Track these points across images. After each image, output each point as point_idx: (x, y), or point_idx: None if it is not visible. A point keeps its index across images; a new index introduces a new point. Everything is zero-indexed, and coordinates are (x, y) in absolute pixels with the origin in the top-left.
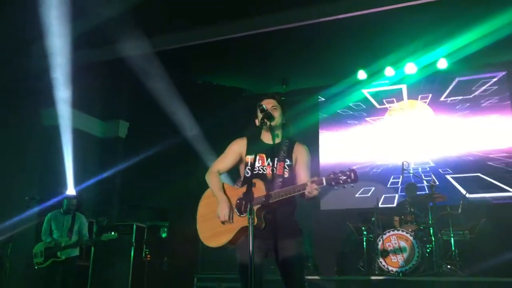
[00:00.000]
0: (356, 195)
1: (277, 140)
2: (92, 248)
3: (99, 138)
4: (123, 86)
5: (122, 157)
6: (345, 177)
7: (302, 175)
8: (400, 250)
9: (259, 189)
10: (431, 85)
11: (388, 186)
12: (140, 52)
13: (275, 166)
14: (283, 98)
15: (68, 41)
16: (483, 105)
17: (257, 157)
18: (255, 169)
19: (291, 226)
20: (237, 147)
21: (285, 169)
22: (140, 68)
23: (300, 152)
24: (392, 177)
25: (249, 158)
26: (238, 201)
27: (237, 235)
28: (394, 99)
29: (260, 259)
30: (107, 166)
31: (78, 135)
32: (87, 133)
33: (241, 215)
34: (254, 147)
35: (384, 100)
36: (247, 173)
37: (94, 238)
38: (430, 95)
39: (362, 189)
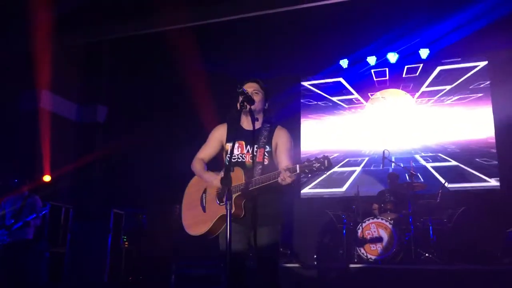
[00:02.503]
0: (337, 183)
1: (257, 126)
2: (68, 234)
3: (76, 122)
4: (102, 70)
5: (101, 143)
6: (318, 164)
7: (283, 162)
8: (379, 237)
9: (238, 177)
10: (413, 74)
11: (369, 174)
12: (120, 35)
13: (255, 153)
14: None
15: (47, 22)
16: (463, 94)
17: (236, 144)
18: (234, 156)
19: (270, 213)
20: (218, 134)
21: (265, 156)
22: (120, 52)
23: (281, 137)
24: (373, 165)
25: (229, 146)
26: (218, 190)
27: (216, 223)
28: (376, 88)
29: (243, 246)
30: (85, 151)
31: (55, 119)
32: (65, 117)
33: (221, 204)
34: (234, 133)
35: (365, 89)
36: (227, 161)
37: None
38: (412, 84)
39: (343, 177)
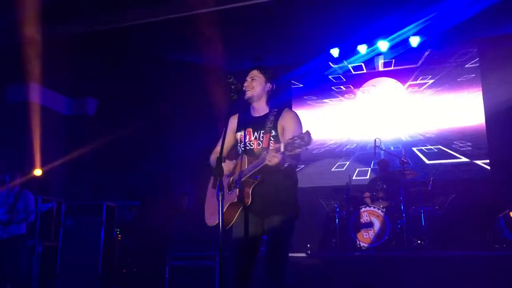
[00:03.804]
0: (329, 172)
1: (264, 111)
2: (61, 228)
3: (66, 115)
4: (92, 62)
5: (91, 136)
6: (299, 140)
7: None
8: (371, 225)
9: (243, 164)
10: (403, 63)
11: (361, 163)
12: (109, 26)
13: (261, 139)
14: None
15: (35, 13)
16: (453, 82)
17: (245, 132)
18: (243, 145)
19: (280, 201)
20: (231, 125)
21: (271, 141)
22: (109, 44)
23: (286, 120)
24: (364, 154)
25: (239, 135)
26: (228, 179)
27: (227, 212)
28: (367, 77)
29: (253, 236)
30: (76, 144)
31: (45, 113)
32: (54, 110)
33: (229, 192)
34: (242, 122)
35: (356, 78)
36: (239, 150)
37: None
38: (402, 72)
39: (335, 166)
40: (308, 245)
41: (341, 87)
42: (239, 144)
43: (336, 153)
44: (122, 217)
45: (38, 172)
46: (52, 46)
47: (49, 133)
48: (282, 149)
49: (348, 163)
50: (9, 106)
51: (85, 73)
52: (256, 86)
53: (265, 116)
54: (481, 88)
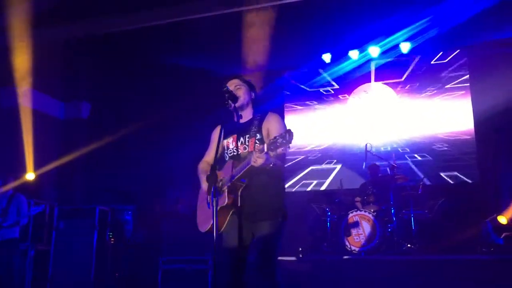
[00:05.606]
0: (320, 177)
1: (249, 118)
2: (53, 232)
3: (60, 119)
4: (85, 66)
5: (85, 139)
6: (281, 139)
7: None
8: (362, 229)
9: (228, 169)
10: (394, 68)
11: (352, 167)
12: (103, 31)
13: (247, 143)
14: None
15: (27, 17)
16: (443, 88)
17: (230, 139)
18: (230, 151)
19: (269, 205)
20: (215, 136)
21: (256, 144)
22: (103, 48)
23: (270, 122)
24: (355, 159)
25: (225, 142)
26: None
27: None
28: (358, 82)
29: (243, 241)
30: (69, 148)
31: (38, 117)
32: (47, 114)
33: (218, 198)
34: (228, 130)
35: (348, 83)
36: (225, 157)
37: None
38: (393, 78)
39: (326, 171)
40: (300, 249)
41: (332, 92)
42: (226, 151)
43: (327, 157)
44: (115, 221)
45: (31, 176)
46: (45, 50)
47: (42, 137)
48: (265, 149)
49: (339, 167)
50: (2, 111)
51: (79, 77)
52: (242, 94)
53: (250, 122)
54: (470, 94)
